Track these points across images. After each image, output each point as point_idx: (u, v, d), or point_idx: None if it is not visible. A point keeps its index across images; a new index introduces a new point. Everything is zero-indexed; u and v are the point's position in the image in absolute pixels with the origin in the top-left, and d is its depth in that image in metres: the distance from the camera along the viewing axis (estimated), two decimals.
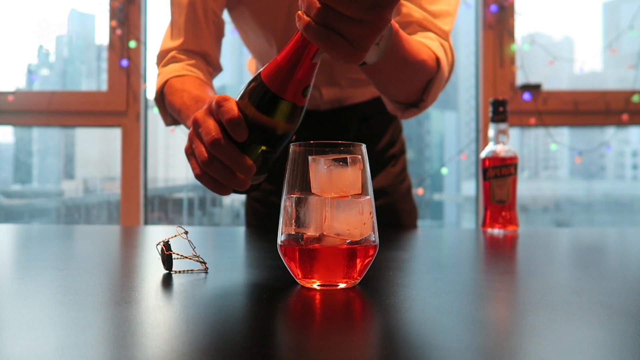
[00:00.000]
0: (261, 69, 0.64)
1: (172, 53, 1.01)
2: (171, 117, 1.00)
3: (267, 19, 1.11)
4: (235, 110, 0.63)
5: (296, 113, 0.64)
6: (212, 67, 1.06)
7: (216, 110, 0.64)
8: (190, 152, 0.69)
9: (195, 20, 1.02)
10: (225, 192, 0.69)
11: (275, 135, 0.65)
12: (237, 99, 0.65)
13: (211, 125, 0.64)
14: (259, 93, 0.63)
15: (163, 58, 1.02)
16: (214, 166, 0.65)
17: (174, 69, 0.97)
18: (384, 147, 1.24)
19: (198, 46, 1.02)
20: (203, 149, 0.66)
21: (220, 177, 0.66)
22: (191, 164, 0.70)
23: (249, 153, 0.65)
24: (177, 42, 1.02)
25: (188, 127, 0.79)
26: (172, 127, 1.05)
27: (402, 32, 0.80)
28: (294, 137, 0.69)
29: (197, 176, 0.69)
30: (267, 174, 0.72)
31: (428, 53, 0.90)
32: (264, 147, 0.66)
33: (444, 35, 0.97)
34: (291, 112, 0.63)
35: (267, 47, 1.16)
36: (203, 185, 0.69)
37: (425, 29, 0.97)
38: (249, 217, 1.31)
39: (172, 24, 1.05)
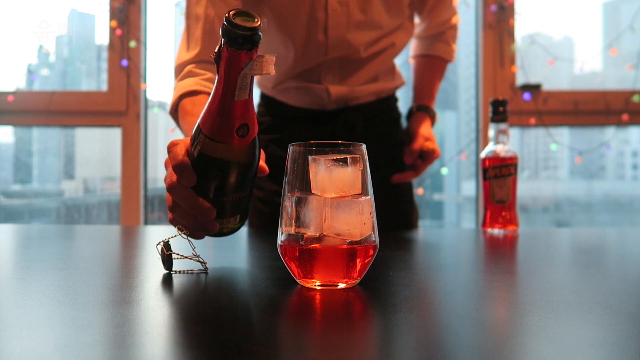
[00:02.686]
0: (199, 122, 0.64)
1: (189, 67, 1.00)
2: None
3: (287, 22, 1.13)
4: (179, 155, 0.64)
5: (235, 154, 0.63)
6: None
7: (168, 152, 0.66)
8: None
9: (211, 31, 1.02)
10: (198, 237, 0.69)
11: (223, 177, 0.64)
12: (190, 151, 0.65)
13: (169, 172, 0.66)
14: (198, 138, 0.63)
15: (180, 72, 1.02)
16: (178, 210, 0.67)
17: (188, 83, 0.96)
18: (387, 147, 1.25)
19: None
20: (167, 194, 0.67)
21: (185, 221, 0.67)
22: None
23: (206, 197, 0.65)
24: (193, 52, 1.01)
25: None
26: (173, 127, 1.06)
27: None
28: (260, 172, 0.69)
29: (170, 221, 0.70)
30: (244, 217, 0.72)
31: (443, 71, 1.36)
32: (219, 190, 0.65)
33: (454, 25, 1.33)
34: (229, 153, 0.62)
35: (283, 51, 1.17)
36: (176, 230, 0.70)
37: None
38: (252, 217, 1.31)
39: (189, 35, 1.05)
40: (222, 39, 0.56)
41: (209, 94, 0.94)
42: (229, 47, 0.55)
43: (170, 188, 0.65)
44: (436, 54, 1.33)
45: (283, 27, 1.14)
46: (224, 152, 0.62)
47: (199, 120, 0.63)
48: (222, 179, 0.64)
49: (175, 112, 0.97)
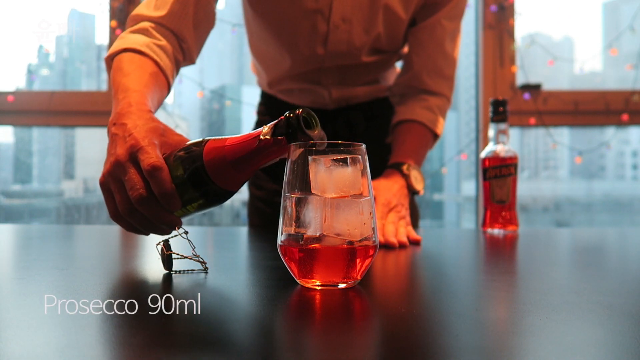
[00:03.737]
0: (204, 147, 0.61)
1: (147, 25, 0.91)
2: None
3: (287, 33, 1.11)
4: (168, 183, 0.61)
5: (229, 195, 0.64)
6: (184, 54, 0.96)
7: (148, 176, 0.62)
8: (106, 189, 0.67)
9: (185, 2, 0.94)
10: (144, 235, 0.69)
11: (205, 205, 0.65)
12: (171, 160, 0.63)
13: (136, 180, 0.62)
14: (199, 177, 0.61)
15: (135, 23, 0.92)
16: (136, 217, 0.64)
17: (138, 41, 0.87)
18: (388, 146, 1.25)
19: (177, 27, 0.93)
20: (125, 200, 0.64)
21: (142, 227, 0.66)
22: (107, 204, 0.67)
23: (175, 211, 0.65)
24: (158, 13, 0.92)
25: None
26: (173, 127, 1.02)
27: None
28: None
29: (113, 218, 0.67)
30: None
31: (428, 140, 1.14)
32: (190, 208, 0.65)
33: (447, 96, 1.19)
34: (224, 194, 0.63)
35: (278, 57, 1.17)
36: (118, 224, 0.68)
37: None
38: (253, 217, 1.31)
39: None
40: (282, 130, 0.57)
41: (154, 60, 0.87)
42: (287, 140, 0.57)
43: (140, 201, 0.62)
44: (417, 118, 1.13)
45: (282, 38, 1.12)
46: (221, 192, 0.63)
47: (201, 158, 0.61)
48: (201, 205, 0.65)
49: (111, 60, 0.88)
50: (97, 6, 2.37)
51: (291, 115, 0.56)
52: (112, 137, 0.68)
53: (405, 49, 1.21)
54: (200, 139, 0.63)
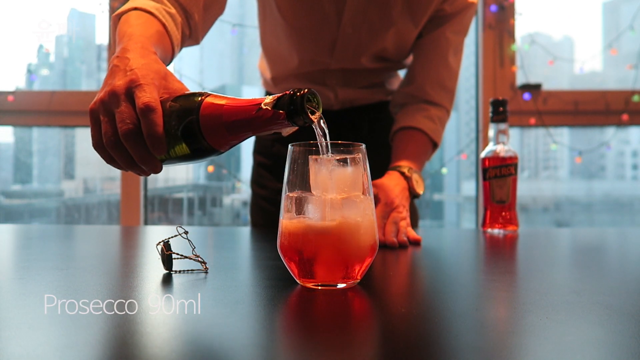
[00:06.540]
0: (202, 101, 0.60)
1: None
2: None
3: (300, 34, 1.13)
4: (159, 126, 0.60)
5: (215, 153, 0.63)
6: (190, 31, 0.95)
7: (141, 114, 0.61)
8: (95, 116, 0.65)
9: None
10: (122, 170, 0.67)
11: (189, 157, 0.64)
12: (167, 105, 0.62)
13: (128, 114, 0.61)
14: (191, 130, 0.60)
15: None
16: (119, 151, 0.63)
17: (148, 3, 0.86)
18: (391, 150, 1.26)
19: (187, 2, 0.92)
20: (112, 131, 0.62)
21: (122, 162, 0.64)
22: (92, 132, 0.65)
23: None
24: None
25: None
26: None
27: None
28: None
29: (95, 147, 0.65)
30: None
31: (427, 149, 1.14)
32: (173, 156, 0.64)
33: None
34: (210, 151, 0.62)
35: (286, 55, 1.18)
36: (98, 154, 0.66)
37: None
38: (256, 216, 1.31)
39: None
40: (284, 105, 0.56)
41: (162, 23, 0.85)
42: (287, 117, 0.56)
43: (127, 136, 0.60)
44: (418, 126, 1.13)
45: (294, 38, 1.15)
46: (207, 148, 0.62)
47: (197, 112, 0.60)
48: (182, 153, 0.63)
49: (118, 19, 0.85)
50: (97, 6, 2.37)
51: (297, 93, 0.56)
52: (112, 69, 0.67)
53: (409, 60, 1.23)
54: (201, 92, 0.62)
